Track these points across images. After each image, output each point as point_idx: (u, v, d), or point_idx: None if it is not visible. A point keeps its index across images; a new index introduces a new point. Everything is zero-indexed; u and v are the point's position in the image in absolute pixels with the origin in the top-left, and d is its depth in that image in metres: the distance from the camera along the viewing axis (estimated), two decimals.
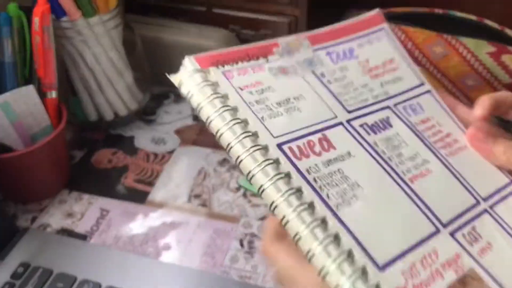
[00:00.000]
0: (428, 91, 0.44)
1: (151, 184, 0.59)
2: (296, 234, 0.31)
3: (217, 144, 0.68)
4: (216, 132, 0.34)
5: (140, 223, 0.55)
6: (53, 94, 0.54)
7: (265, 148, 0.34)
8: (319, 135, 0.36)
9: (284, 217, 0.31)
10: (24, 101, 0.52)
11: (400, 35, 0.64)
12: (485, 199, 0.39)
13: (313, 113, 0.38)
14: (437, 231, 0.36)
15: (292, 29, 0.69)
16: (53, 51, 0.52)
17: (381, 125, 0.40)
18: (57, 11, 0.56)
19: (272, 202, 0.32)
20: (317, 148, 0.35)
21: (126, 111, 0.66)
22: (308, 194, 0.32)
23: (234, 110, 0.35)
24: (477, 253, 0.35)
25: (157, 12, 0.74)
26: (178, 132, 0.67)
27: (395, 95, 0.43)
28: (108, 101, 0.64)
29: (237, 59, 0.38)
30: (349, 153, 0.37)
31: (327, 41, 0.43)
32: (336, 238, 0.31)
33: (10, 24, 0.51)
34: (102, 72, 0.61)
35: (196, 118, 0.69)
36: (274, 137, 0.35)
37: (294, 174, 0.33)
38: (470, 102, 0.65)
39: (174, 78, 0.37)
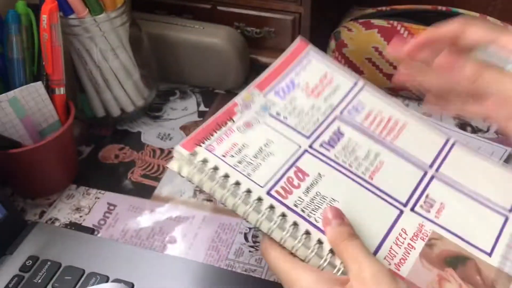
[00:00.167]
0: (363, 87, 0.51)
1: (157, 179, 0.60)
2: (305, 258, 0.39)
3: None
4: (220, 199, 0.41)
5: (147, 218, 0.55)
6: (61, 91, 0.55)
7: (259, 199, 0.41)
8: (293, 168, 0.43)
9: (293, 247, 0.39)
10: (33, 97, 0.52)
11: (403, 32, 0.65)
12: (430, 166, 0.47)
13: (283, 152, 0.44)
14: (401, 212, 0.43)
15: (296, 26, 0.69)
16: (61, 48, 0.53)
17: (335, 137, 0.47)
18: (65, 8, 0.56)
19: (281, 239, 0.39)
20: (296, 182, 0.43)
21: (132, 108, 0.67)
22: (302, 225, 0.40)
23: (226, 176, 0.41)
24: (434, 216, 0.43)
25: (163, 10, 0.75)
26: (183, 128, 0.68)
27: (338, 104, 0.49)
28: (115, 98, 0.65)
29: (211, 132, 0.44)
30: (319, 175, 0.44)
31: (271, 82, 0.49)
32: (332, 253, 0.39)
33: (18, 22, 0.51)
34: (109, 69, 0.62)
35: (201, 114, 0.70)
36: (262, 187, 0.42)
37: (287, 212, 0.40)
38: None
39: (172, 166, 0.43)
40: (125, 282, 0.47)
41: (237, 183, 0.41)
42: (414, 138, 0.49)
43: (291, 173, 0.43)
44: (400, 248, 0.41)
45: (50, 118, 0.55)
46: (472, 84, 0.42)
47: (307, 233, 0.40)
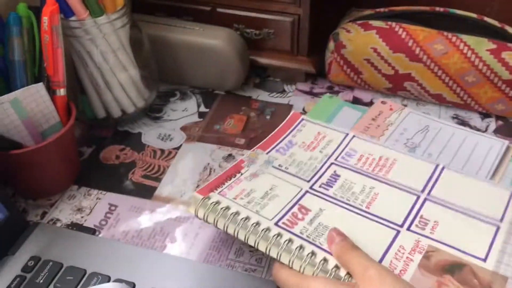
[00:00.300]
0: (353, 136, 0.60)
1: (158, 179, 0.60)
2: (312, 274, 0.43)
3: (222, 141, 0.69)
4: (233, 232, 0.47)
5: (148, 218, 0.56)
6: (62, 92, 0.55)
7: (268, 229, 0.46)
8: (297, 206, 0.50)
9: (300, 266, 0.44)
10: (34, 98, 0.52)
11: (401, 33, 0.65)
12: (422, 190, 0.52)
13: (287, 193, 0.51)
14: (398, 232, 0.48)
15: (295, 27, 0.70)
16: (62, 50, 0.53)
17: (332, 179, 0.54)
18: (66, 10, 0.57)
19: (289, 261, 0.44)
20: (300, 215, 0.49)
21: (133, 109, 0.67)
22: (308, 247, 0.45)
23: (237, 213, 0.48)
24: (429, 232, 0.48)
25: (163, 12, 0.75)
26: (184, 128, 0.68)
27: (333, 153, 0.57)
28: (115, 99, 0.65)
29: (223, 181, 0.52)
30: (320, 209, 0.50)
31: (273, 144, 0.59)
32: (337, 268, 0.43)
33: (19, 24, 0.51)
34: (109, 70, 0.62)
35: (201, 115, 0.70)
36: (270, 220, 0.48)
37: (294, 238, 0.46)
38: (470, 98, 0.66)
39: (191, 210, 0.49)
40: (127, 282, 0.47)
41: (247, 218, 0.47)
42: (405, 169, 0.55)
43: (295, 209, 0.50)
44: (399, 261, 0.45)
45: (51, 119, 0.55)
46: None
47: (313, 253, 0.44)
